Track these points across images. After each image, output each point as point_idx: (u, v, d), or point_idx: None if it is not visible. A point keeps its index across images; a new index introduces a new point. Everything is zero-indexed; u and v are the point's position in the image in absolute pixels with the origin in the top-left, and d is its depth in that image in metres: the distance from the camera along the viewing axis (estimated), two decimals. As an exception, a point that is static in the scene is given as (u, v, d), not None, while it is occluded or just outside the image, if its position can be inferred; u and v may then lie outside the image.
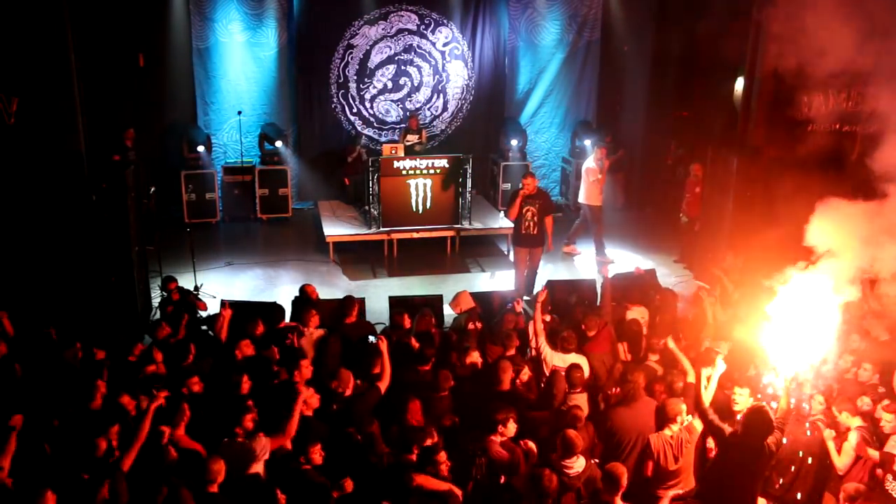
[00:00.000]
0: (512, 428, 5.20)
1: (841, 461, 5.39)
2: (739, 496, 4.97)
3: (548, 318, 7.08)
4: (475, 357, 6.23)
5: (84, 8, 8.06)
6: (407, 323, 6.90)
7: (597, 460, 5.26)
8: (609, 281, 7.52)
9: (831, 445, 5.42)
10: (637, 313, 7.41)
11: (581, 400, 5.73)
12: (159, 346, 6.39)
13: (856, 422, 5.46)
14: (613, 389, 5.97)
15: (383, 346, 5.91)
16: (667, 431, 5.27)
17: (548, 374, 6.22)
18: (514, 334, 6.50)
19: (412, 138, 11.32)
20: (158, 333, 6.60)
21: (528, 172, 9.92)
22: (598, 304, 7.81)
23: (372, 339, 6.55)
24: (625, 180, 13.51)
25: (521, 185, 9.28)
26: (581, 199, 10.97)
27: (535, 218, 9.13)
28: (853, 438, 5.37)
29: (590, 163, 10.90)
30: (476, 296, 7.74)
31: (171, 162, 12.05)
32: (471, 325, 7.07)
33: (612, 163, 13.20)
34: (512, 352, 6.39)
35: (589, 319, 6.78)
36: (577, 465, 4.91)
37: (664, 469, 5.26)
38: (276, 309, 7.13)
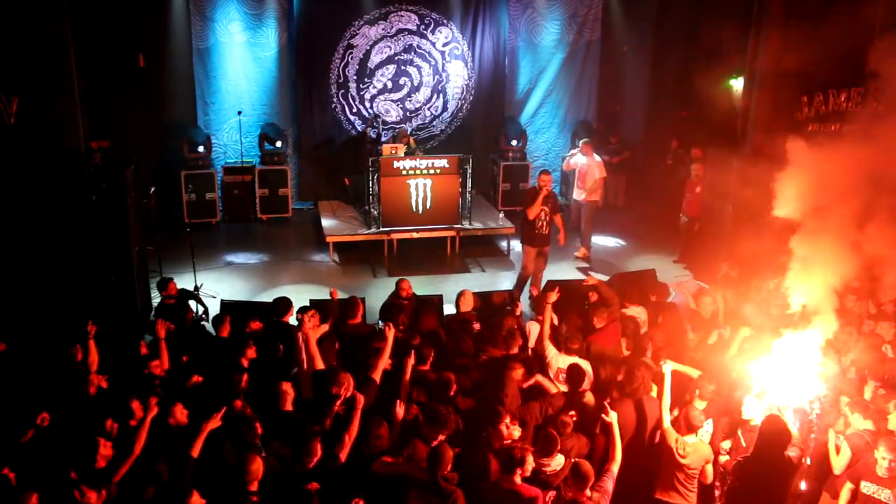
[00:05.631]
0: (517, 431, 5.16)
1: (838, 462, 5.39)
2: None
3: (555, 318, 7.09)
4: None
5: (84, 8, 8.06)
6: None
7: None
8: (609, 280, 7.53)
9: (832, 446, 5.42)
10: (634, 313, 7.41)
11: (588, 399, 5.73)
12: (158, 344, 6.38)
13: (866, 424, 5.46)
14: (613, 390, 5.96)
15: (389, 332, 5.91)
16: (688, 439, 5.23)
17: (552, 375, 6.21)
18: (517, 333, 6.49)
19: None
20: (159, 332, 6.58)
21: (545, 170, 9.85)
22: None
23: (380, 324, 6.56)
24: (626, 181, 13.52)
25: (539, 184, 9.17)
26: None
27: (548, 217, 9.14)
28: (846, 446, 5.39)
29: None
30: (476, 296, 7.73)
31: (171, 162, 12.04)
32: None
33: (618, 163, 13.27)
34: (515, 351, 6.38)
35: (599, 311, 6.85)
36: (554, 463, 4.93)
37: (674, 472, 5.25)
38: (281, 302, 7.11)
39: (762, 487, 4.83)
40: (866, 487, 5.07)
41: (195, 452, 4.82)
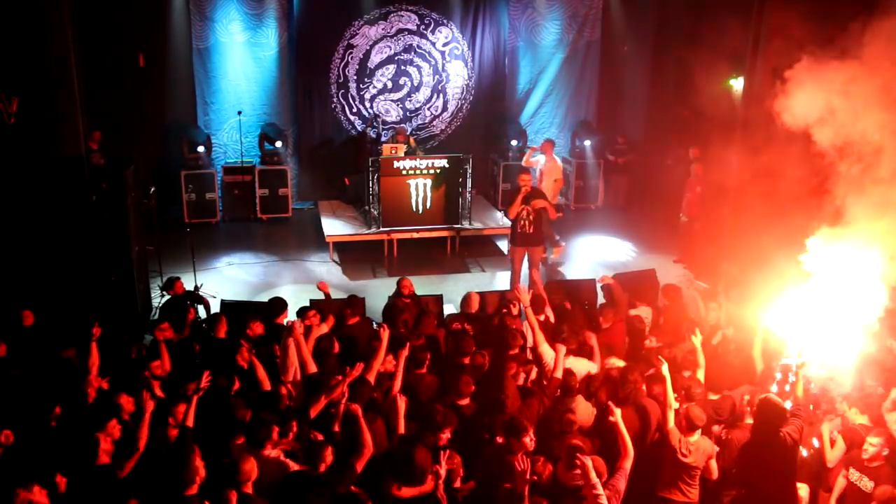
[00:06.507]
0: (530, 443, 5.07)
1: (832, 454, 5.43)
2: (780, 496, 4.95)
3: (542, 317, 7.08)
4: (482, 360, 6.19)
5: (84, 8, 8.06)
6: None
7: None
8: (616, 280, 7.52)
9: (826, 438, 5.45)
10: (641, 313, 7.41)
11: (577, 403, 5.72)
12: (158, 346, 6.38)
13: (862, 419, 5.48)
14: (604, 395, 5.94)
15: (384, 334, 5.90)
16: (692, 438, 5.23)
17: (549, 376, 6.20)
18: (518, 334, 6.48)
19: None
20: (161, 333, 6.58)
21: (524, 169, 9.89)
22: (598, 305, 7.80)
23: (375, 324, 6.57)
24: (627, 181, 13.50)
25: (518, 183, 9.17)
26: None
27: (531, 217, 9.07)
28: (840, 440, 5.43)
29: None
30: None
31: (171, 162, 12.04)
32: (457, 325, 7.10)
33: (623, 164, 13.25)
34: (516, 351, 6.36)
35: (606, 311, 6.86)
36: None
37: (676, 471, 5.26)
38: (276, 303, 7.10)
39: (767, 471, 4.86)
40: (853, 474, 5.19)
41: (190, 422, 4.92)
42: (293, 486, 4.54)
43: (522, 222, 9.11)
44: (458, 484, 4.80)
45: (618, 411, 5.17)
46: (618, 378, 5.90)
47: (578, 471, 4.74)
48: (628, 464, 4.94)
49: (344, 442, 4.99)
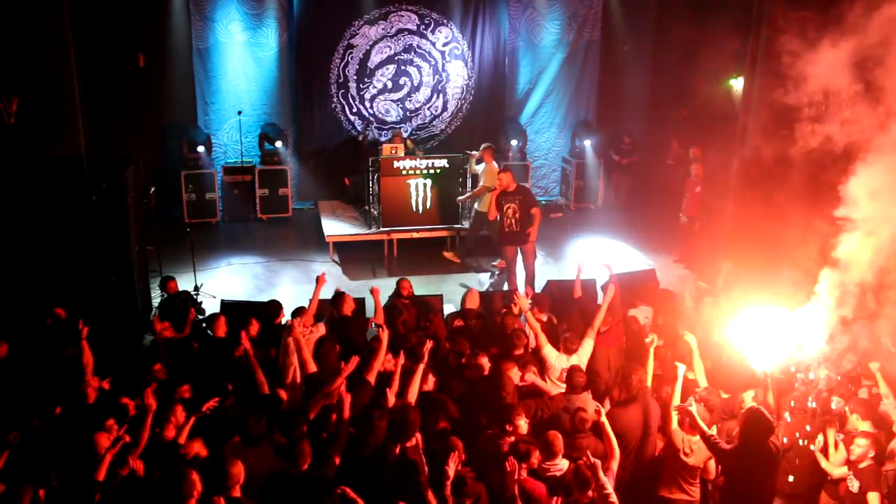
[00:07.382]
0: (524, 425, 5.18)
1: (834, 460, 5.42)
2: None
3: (544, 317, 7.07)
4: (484, 361, 6.21)
5: (84, 8, 8.06)
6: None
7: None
8: (615, 278, 7.51)
9: (831, 443, 5.44)
10: (641, 312, 7.40)
11: (584, 401, 5.72)
12: (159, 345, 6.38)
13: (864, 425, 5.46)
14: (617, 392, 5.95)
15: (384, 335, 5.91)
16: (693, 437, 5.25)
17: (555, 378, 6.20)
18: (521, 333, 6.48)
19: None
20: (161, 333, 6.59)
21: (502, 169, 9.88)
22: (598, 302, 7.79)
23: (374, 325, 6.58)
24: (629, 182, 13.50)
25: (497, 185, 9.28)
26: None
27: (517, 215, 9.09)
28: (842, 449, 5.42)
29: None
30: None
31: (171, 162, 12.05)
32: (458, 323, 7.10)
33: (627, 164, 13.23)
34: (521, 351, 6.36)
35: (604, 315, 6.83)
36: (558, 466, 4.96)
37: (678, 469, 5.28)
38: (272, 305, 7.10)
39: (753, 481, 4.88)
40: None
41: (182, 439, 4.92)
42: (276, 485, 4.55)
43: (509, 221, 9.16)
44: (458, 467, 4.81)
45: (603, 411, 5.23)
46: (620, 379, 5.90)
47: (556, 460, 4.81)
48: (615, 465, 5.03)
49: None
